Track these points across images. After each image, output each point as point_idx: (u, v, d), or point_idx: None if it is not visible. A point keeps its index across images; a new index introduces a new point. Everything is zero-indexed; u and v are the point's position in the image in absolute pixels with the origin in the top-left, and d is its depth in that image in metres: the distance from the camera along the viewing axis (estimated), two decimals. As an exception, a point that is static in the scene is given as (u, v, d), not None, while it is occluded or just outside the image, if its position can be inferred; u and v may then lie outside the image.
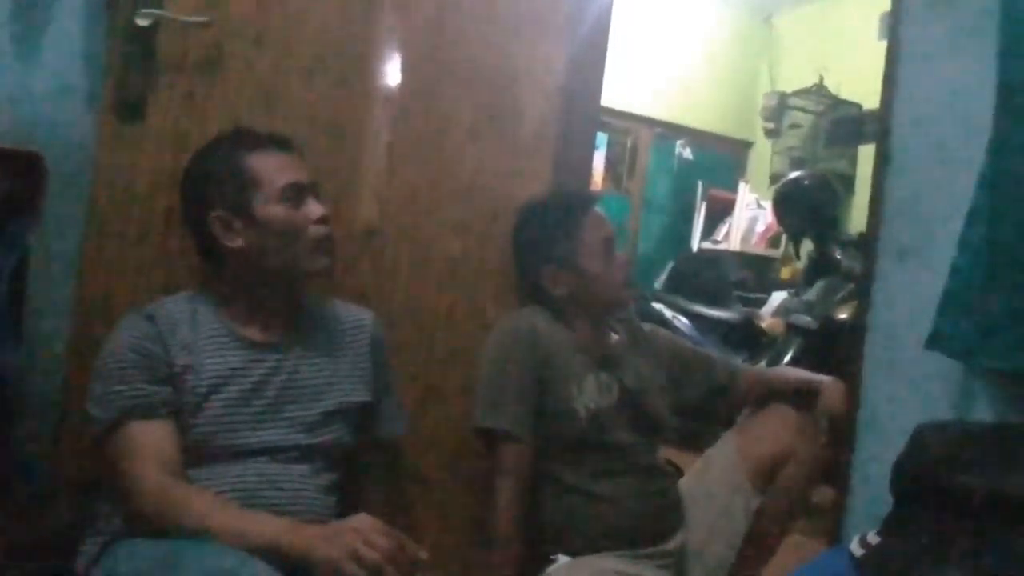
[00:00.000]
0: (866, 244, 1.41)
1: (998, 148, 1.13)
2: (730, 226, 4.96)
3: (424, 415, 1.75)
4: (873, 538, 0.95)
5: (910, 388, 1.29)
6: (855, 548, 0.95)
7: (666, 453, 1.85)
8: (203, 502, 1.22)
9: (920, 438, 0.96)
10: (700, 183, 5.16)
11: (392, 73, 1.75)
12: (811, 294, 3.36)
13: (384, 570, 1.10)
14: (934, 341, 1.18)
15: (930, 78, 1.32)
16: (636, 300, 4.03)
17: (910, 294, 1.30)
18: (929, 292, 1.23)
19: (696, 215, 5.12)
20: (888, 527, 0.95)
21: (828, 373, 1.84)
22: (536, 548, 1.60)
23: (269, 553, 1.13)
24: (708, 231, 5.07)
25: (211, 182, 1.38)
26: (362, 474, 1.50)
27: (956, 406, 1.22)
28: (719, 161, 5.38)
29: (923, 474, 0.93)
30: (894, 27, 1.39)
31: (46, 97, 1.47)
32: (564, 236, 1.70)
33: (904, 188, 1.34)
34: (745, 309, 3.97)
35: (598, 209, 1.77)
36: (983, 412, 1.20)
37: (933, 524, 0.89)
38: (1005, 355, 1.08)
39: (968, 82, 1.27)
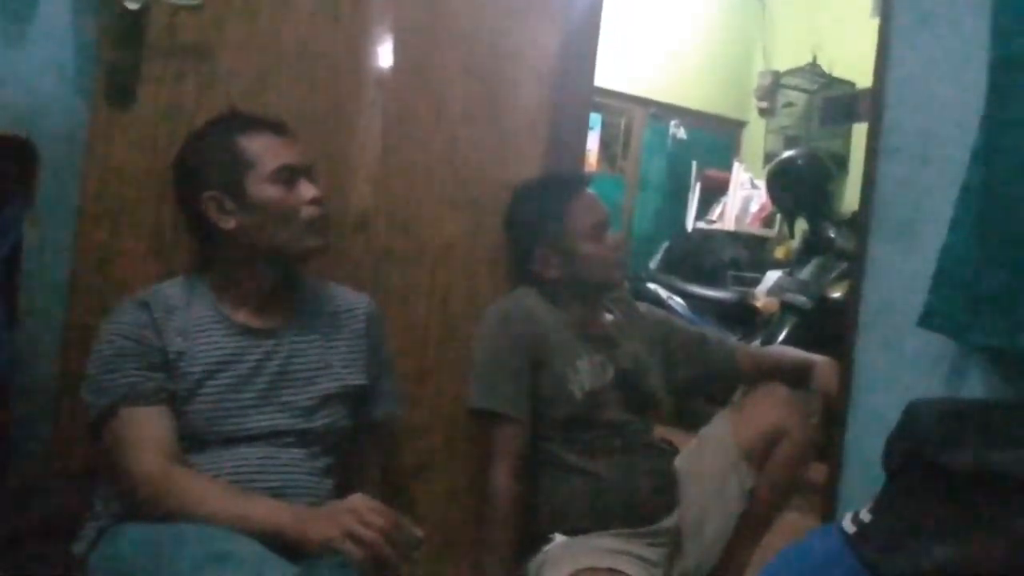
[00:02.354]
0: (859, 222, 1.41)
1: (991, 124, 1.13)
2: (724, 206, 4.96)
3: (420, 397, 1.75)
4: (865, 515, 0.95)
5: (902, 366, 1.29)
6: (847, 525, 0.95)
7: (662, 432, 1.86)
8: (200, 486, 1.23)
9: (912, 415, 0.97)
10: (694, 163, 5.16)
11: (384, 56, 1.74)
12: (805, 273, 3.38)
13: (380, 548, 1.12)
14: (926, 319, 1.18)
15: (923, 55, 1.32)
16: (628, 281, 4.05)
17: (903, 272, 1.30)
18: (922, 270, 1.23)
19: (691, 195, 5.12)
20: (880, 504, 0.96)
21: (822, 351, 1.85)
22: (533, 528, 1.61)
23: (266, 535, 1.15)
24: (703, 211, 5.07)
25: (205, 163, 1.39)
26: (359, 456, 1.51)
27: (948, 383, 1.22)
28: (713, 141, 5.37)
29: (915, 451, 0.93)
30: (886, 3, 1.39)
31: (37, 81, 1.47)
32: (554, 218, 1.70)
33: (897, 166, 1.34)
34: (740, 288, 3.99)
35: (590, 191, 1.77)
36: (975, 389, 1.21)
37: (924, 501, 0.90)
38: (997, 332, 1.09)
39: (961, 59, 1.26)
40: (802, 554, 0.99)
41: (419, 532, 1.19)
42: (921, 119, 1.32)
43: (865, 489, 1.13)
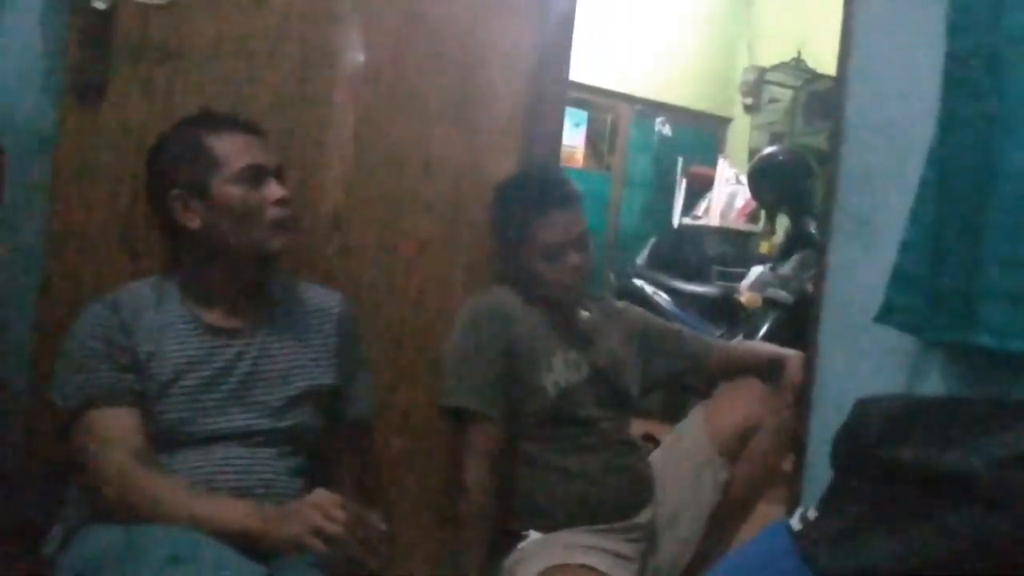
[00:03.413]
0: (823, 218, 1.42)
1: (946, 122, 1.14)
2: (710, 202, 4.98)
3: (394, 396, 1.75)
4: (811, 513, 0.96)
5: (864, 360, 1.31)
6: (795, 523, 0.96)
7: (647, 427, 1.87)
8: (167, 487, 1.23)
9: (859, 412, 0.98)
10: (680, 159, 5.17)
11: (357, 54, 1.74)
12: (787, 268, 3.39)
13: (346, 542, 1.13)
14: (885, 314, 1.19)
15: (884, 51, 1.33)
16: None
17: (865, 267, 1.32)
18: (883, 266, 1.24)
19: (676, 191, 5.13)
20: (825, 502, 0.97)
21: (802, 346, 1.86)
22: (507, 525, 1.61)
23: (233, 536, 1.15)
24: (688, 207, 5.08)
25: (171, 162, 1.39)
26: (332, 456, 1.51)
27: (908, 379, 1.24)
28: (699, 137, 5.39)
29: (860, 448, 0.94)
30: (849, 1, 1.40)
31: (5, 81, 1.47)
32: (516, 232, 1.69)
33: (859, 162, 1.35)
34: (724, 284, 4.00)
35: (563, 208, 1.69)
36: (934, 384, 1.22)
37: (867, 499, 0.91)
38: (953, 328, 1.10)
39: (921, 55, 1.27)
40: (753, 551, 1.00)
41: (383, 526, 1.19)
42: (882, 115, 1.33)
43: (828, 482, 1.14)
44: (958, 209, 1.11)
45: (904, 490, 0.87)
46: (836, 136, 1.37)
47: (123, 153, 1.52)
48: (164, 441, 1.30)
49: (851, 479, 0.95)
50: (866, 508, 0.90)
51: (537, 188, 1.72)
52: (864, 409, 0.97)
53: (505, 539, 1.61)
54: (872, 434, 0.92)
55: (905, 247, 1.18)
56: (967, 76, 1.11)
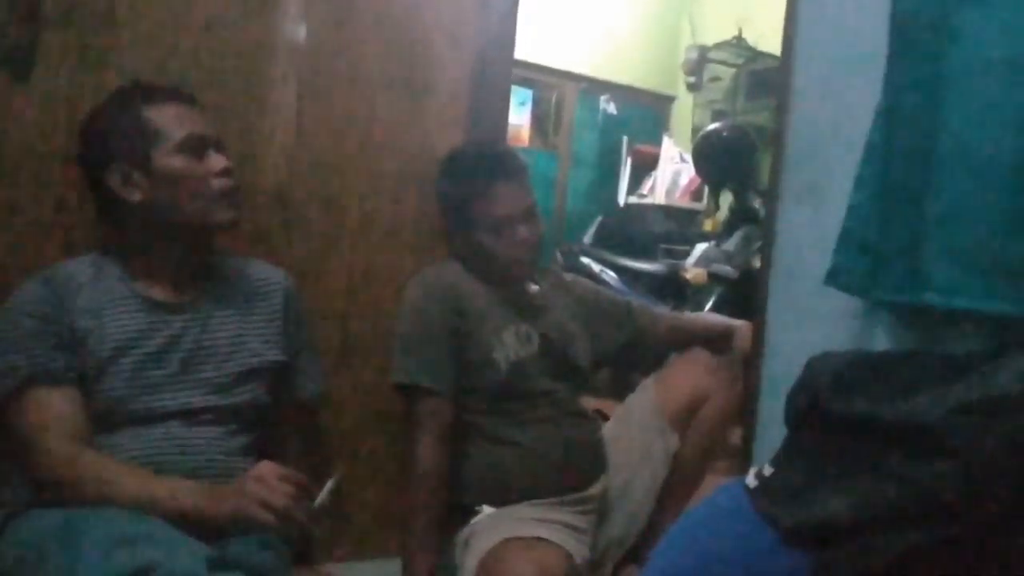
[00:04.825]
0: (769, 186, 1.44)
1: (891, 84, 1.15)
2: (655, 180, 5.01)
3: (343, 373, 1.74)
4: (767, 469, 0.97)
5: (812, 325, 1.32)
6: (750, 480, 0.97)
7: (598, 403, 1.87)
8: (109, 469, 1.20)
9: (811, 369, 0.99)
10: (625, 138, 5.19)
11: (297, 26, 1.70)
12: (731, 244, 3.43)
13: (291, 513, 1.13)
14: (832, 277, 1.21)
15: (828, 17, 1.34)
16: (561, 255, 4.07)
17: (812, 234, 1.33)
18: (831, 230, 1.26)
19: (622, 170, 5.15)
20: (780, 458, 0.98)
21: (747, 319, 1.89)
22: (460, 500, 1.61)
23: (179, 516, 1.14)
24: (634, 185, 5.11)
25: (110, 135, 1.34)
26: (281, 435, 1.49)
27: (857, 340, 1.26)
28: (643, 116, 5.41)
29: (812, 404, 0.95)
30: (793, -32, 1.41)
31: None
32: (464, 206, 1.67)
33: (805, 129, 1.36)
34: (670, 261, 4.03)
35: (510, 181, 1.68)
36: (882, 345, 1.24)
37: (820, 452, 0.93)
38: (898, 288, 1.12)
39: (865, 20, 1.28)
40: (707, 510, 1.01)
41: (324, 495, 1.20)
42: (826, 82, 1.34)
43: (779, 447, 1.15)
44: (903, 170, 1.13)
45: (856, 442, 0.89)
46: (783, 105, 1.38)
47: (56, 126, 1.47)
48: (106, 420, 1.27)
49: (804, 434, 0.96)
50: (820, 461, 0.91)
51: (483, 161, 1.70)
52: (815, 366, 0.99)
53: (458, 514, 1.60)
54: (823, 389, 0.93)
55: (851, 210, 1.20)
56: (911, 38, 1.13)
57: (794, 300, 1.35)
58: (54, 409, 1.23)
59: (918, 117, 1.11)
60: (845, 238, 1.20)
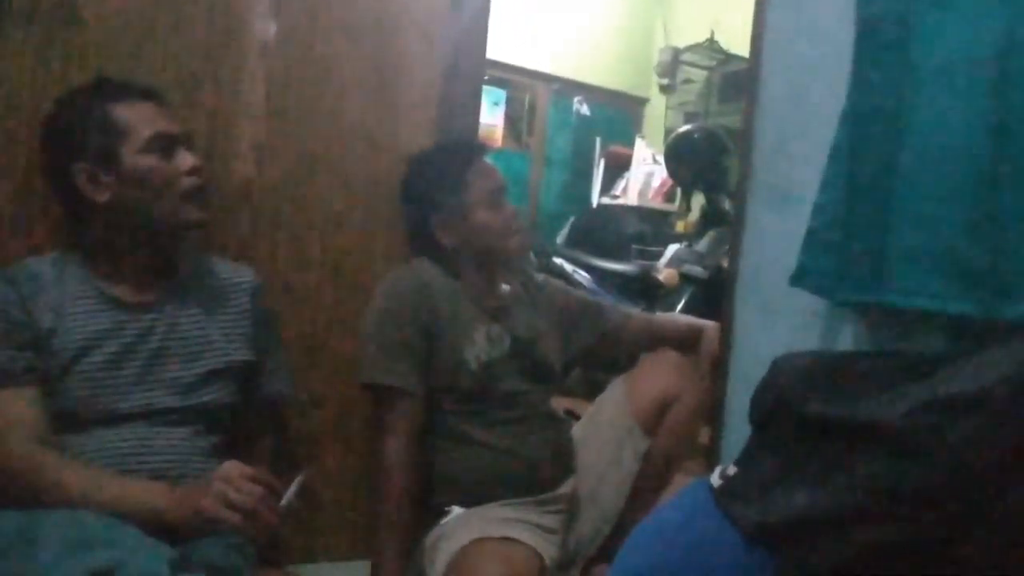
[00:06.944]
0: (737, 188, 1.45)
1: (857, 85, 1.16)
2: (628, 181, 5.03)
3: (311, 374, 1.72)
4: (731, 469, 0.98)
5: (779, 324, 1.34)
6: (714, 479, 0.98)
7: (569, 404, 1.87)
8: (72, 470, 1.18)
9: (775, 369, 1.00)
10: (598, 139, 5.21)
11: (267, 21, 1.69)
12: (702, 245, 3.45)
13: (257, 512, 1.12)
14: (798, 278, 1.22)
15: (796, 19, 1.35)
16: (534, 254, 4.07)
17: (779, 235, 1.34)
18: (798, 232, 1.27)
19: (595, 171, 5.17)
20: (744, 457, 0.99)
21: (717, 319, 1.90)
22: (430, 500, 1.60)
23: (144, 518, 1.12)
24: (607, 186, 5.13)
25: (75, 133, 1.32)
26: (248, 435, 1.47)
27: (822, 341, 1.27)
28: (616, 117, 5.43)
29: (776, 404, 0.96)
30: (762, -29, 1.42)
31: None
32: (451, 186, 1.68)
33: (773, 132, 1.37)
34: (643, 262, 4.05)
35: (485, 160, 1.76)
36: (847, 345, 1.25)
37: (783, 452, 0.93)
38: (862, 289, 1.13)
39: (833, 22, 1.30)
40: (672, 509, 1.01)
41: (290, 495, 1.20)
42: (794, 84, 1.35)
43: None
44: (868, 172, 1.14)
45: (820, 441, 0.90)
46: (751, 107, 1.39)
47: (18, 123, 1.44)
48: (69, 421, 1.25)
49: (769, 434, 0.97)
50: (784, 461, 0.92)
51: (457, 145, 1.76)
52: (780, 366, 0.99)
53: (427, 515, 1.59)
54: (788, 389, 0.94)
55: (817, 211, 1.21)
56: (877, 39, 1.14)
57: (761, 300, 1.36)
58: (14, 409, 1.21)
59: (883, 119, 1.12)
60: (811, 239, 1.21)
